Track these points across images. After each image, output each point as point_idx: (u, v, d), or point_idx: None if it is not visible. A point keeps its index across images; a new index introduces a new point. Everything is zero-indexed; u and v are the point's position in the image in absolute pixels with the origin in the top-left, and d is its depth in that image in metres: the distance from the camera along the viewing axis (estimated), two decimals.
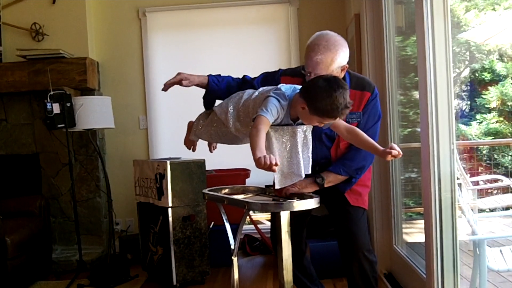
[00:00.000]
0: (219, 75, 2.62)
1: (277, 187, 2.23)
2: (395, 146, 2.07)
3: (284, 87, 2.15)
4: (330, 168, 2.43)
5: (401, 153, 2.06)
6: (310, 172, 2.24)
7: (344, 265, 2.57)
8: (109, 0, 4.96)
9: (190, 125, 2.66)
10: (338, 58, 2.28)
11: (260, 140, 1.94)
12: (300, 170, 2.19)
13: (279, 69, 2.62)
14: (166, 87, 2.60)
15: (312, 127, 2.22)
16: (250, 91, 2.35)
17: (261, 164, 1.81)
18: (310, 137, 2.23)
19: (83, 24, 4.74)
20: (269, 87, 2.24)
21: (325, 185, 2.42)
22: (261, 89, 2.29)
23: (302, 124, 2.18)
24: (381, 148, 2.14)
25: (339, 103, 1.96)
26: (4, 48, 4.69)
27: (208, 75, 2.61)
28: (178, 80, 2.57)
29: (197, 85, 2.66)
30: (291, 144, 2.19)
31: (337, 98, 1.95)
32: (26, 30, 4.70)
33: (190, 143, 2.71)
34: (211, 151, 2.72)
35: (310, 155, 2.23)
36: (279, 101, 2.07)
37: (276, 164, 1.80)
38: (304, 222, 2.72)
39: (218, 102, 2.58)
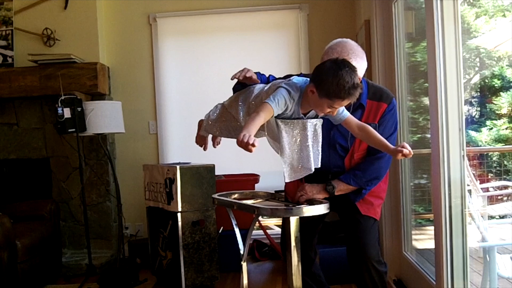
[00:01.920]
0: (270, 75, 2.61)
1: (286, 180, 2.21)
2: (406, 145, 2.06)
3: (296, 79, 2.14)
4: (341, 177, 2.43)
5: (412, 152, 2.06)
6: (319, 166, 2.21)
7: (353, 274, 2.56)
8: (120, 6, 5.00)
9: (201, 123, 2.64)
10: None
11: (254, 124, 1.92)
12: (309, 163, 2.17)
13: (301, 73, 2.64)
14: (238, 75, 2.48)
15: (322, 121, 2.20)
16: (261, 85, 2.32)
17: (239, 140, 1.80)
18: (320, 131, 2.21)
19: (94, 29, 4.78)
20: (281, 80, 2.23)
21: (336, 193, 2.42)
22: (273, 81, 2.28)
23: (313, 118, 2.18)
24: (392, 146, 2.14)
25: (346, 81, 1.93)
26: (16, 53, 4.72)
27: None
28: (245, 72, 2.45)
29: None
30: (301, 137, 2.17)
31: (343, 77, 1.93)
32: (38, 35, 4.74)
33: (201, 141, 2.67)
34: (214, 146, 2.67)
35: (320, 149, 2.21)
36: (289, 92, 2.06)
37: (253, 145, 1.79)
38: (316, 230, 2.71)
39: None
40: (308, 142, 2.17)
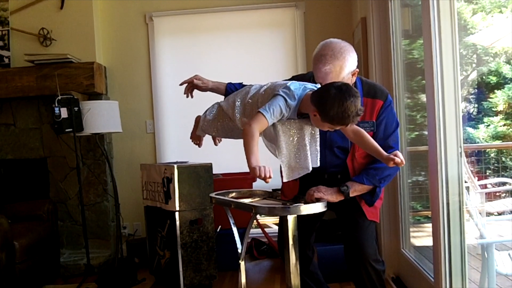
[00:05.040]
0: (241, 83, 2.63)
1: (284, 180, 2.21)
2: (399, 153, 2.09)
3: (294, 86, 2.12)
4: (354, 178, 2.41)
5: (404, 162, 2.09)
6: (318, 165, 2.21)
7: (350, 273, 2.55)
8: (116, 5, 4.99)
9: (198, 119, 2.64)
10: (347, 65, 2.28)
11: (255, 144, 1.97)
12: (307, 163, 2.17)
13: (292, 77, 2.61)
14: (185, 90, 2.72)
15: None
16: (257, 85, 2.32)
17: (256, 174, 1.87)
18: (317, 130, 2.21)
19: (91, 29, 4.77)
20: (280, 83, 2.21)
21: (350, 195, 2.38)
22: (270, 83, 2.26)
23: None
24: (385, 153, 2.15)
25: (351, 111, 1.96)
26: (13, 53, 4.71)
27: (227, 83, 2.64)
28: (191, 80, 2.66)
29: (212, 90, 2.68)
30: (299, 137, 2.17)
31: (349, 107, 1.95)
32: (34, 35, 4.73)
33: (196, 138, 2.69)
34: (215, 144, 2.68)
35: (318, 148, 2.22)
36: (286, 100, 2.06)
37: (270, 177, 1.86)
38: (313, 228, 2.70)
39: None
40: (306, 142, 2.18)
